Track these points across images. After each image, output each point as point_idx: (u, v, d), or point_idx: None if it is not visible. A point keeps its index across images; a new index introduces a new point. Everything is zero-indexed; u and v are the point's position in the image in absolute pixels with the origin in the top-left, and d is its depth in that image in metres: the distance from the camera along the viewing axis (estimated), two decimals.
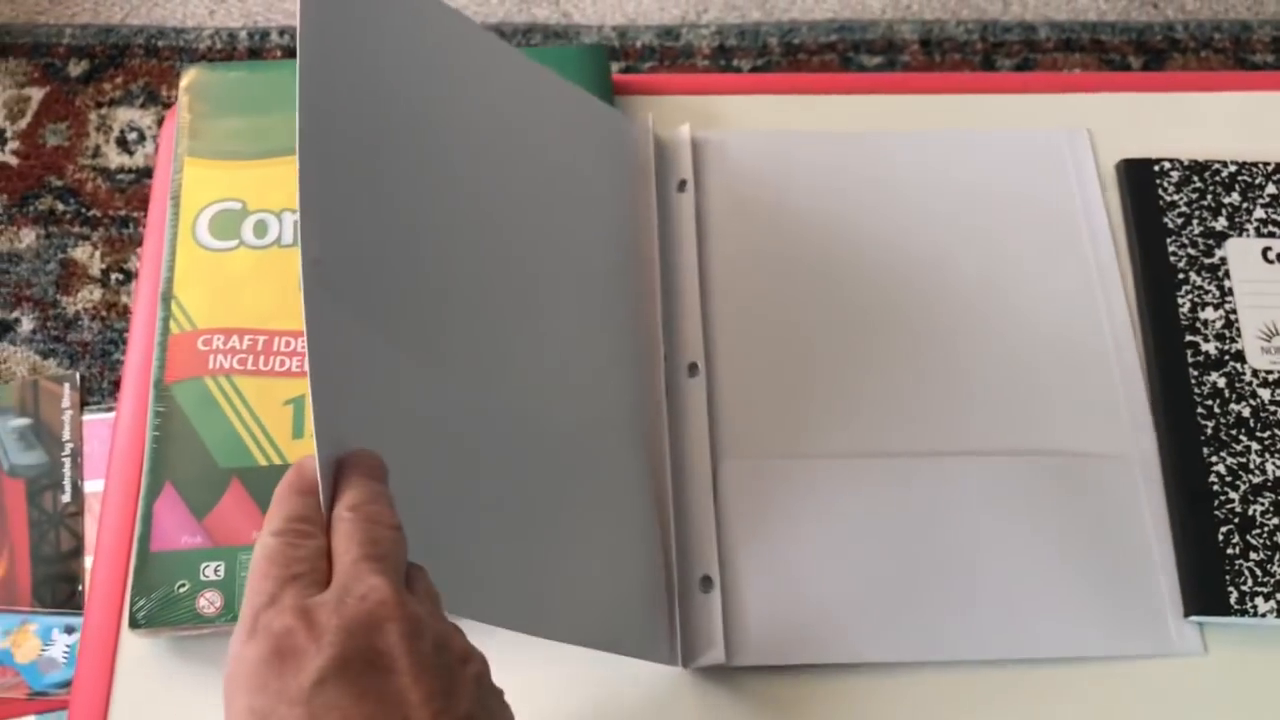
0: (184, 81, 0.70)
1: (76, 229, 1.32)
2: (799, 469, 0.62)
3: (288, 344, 0.62)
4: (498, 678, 0.43)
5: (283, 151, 0.67)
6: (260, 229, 0.65)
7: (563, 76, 0.69)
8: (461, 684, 0.38)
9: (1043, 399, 0.64)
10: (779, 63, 1.41)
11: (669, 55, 1.42)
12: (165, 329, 0.63)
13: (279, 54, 1.42)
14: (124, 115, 1.39)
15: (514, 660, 0.47)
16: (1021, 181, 0.70)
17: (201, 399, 0.61)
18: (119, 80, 1.41)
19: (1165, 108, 0.74)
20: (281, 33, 1.43)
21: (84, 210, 1.33)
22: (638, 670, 0.57)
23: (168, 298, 0.64)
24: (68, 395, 1.22)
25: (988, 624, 0.59)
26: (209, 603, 0.57)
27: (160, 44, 1.43)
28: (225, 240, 0.65)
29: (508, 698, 0.42)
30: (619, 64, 1.42)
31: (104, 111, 1.40)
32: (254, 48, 1.42)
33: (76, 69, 1.42)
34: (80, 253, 1.31)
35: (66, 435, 1.19)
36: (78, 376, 1.23)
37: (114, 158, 1.37)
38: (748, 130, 0.72)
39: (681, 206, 0.68)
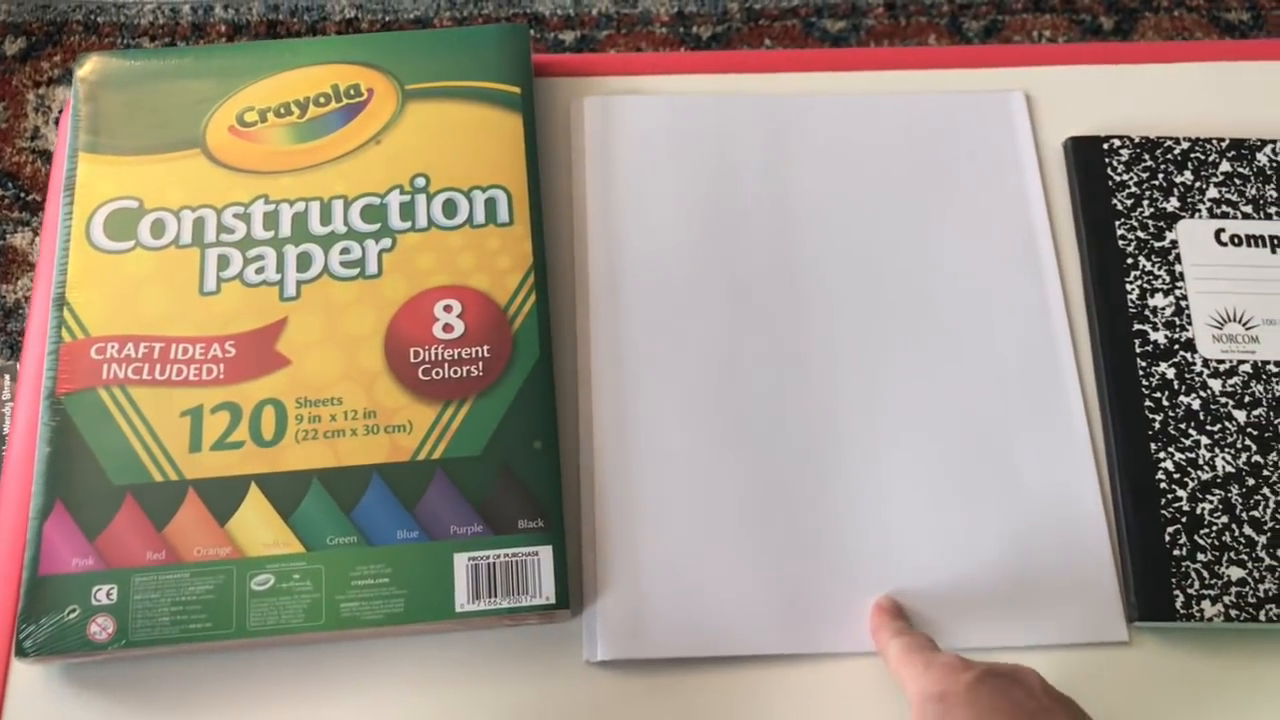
0: (80, 70, 0.67)
1: (15, 214, 1.28)
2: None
3: (185, 351, 0.59)
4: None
5: (183, 145, 0.64)
6: (158, 229, 0.62)
7: (479, 56, 0.66)
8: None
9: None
10: (739, 29, 1.36)
11: (626, 22, 1.38)
12: (58, 336, 0.59)
13: (223, 28, 1.37)
14: (63, 95, 1.35)
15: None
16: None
17: (95, 411, 0.58)
18: (57, 59, 1.36)
19: (1119, 80, 0.71)
20: (226, 7, 1.38)
21: (23, 195, 1.29)
22: (538, 668, 0.56)
23: (60, 302, 0.60)
24: (7, 387, 1.18)
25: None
26: (101, 628, 0.54)
27: (100, 20, 1.38)
28: (121, 241, 0.62)
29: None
30: (574, 32, 1.37)
31: (42, 91, 1.35)
32: (197, 23, 1.37)
33: (13, 47, 1.37)
34: (20, 239, 1.27)
35: (6, 429, 1.16)
36: (17, 367, 1.20)
37: (53, 139, 1.33)
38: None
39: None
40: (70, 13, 1.38)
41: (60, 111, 1.34)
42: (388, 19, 1.36)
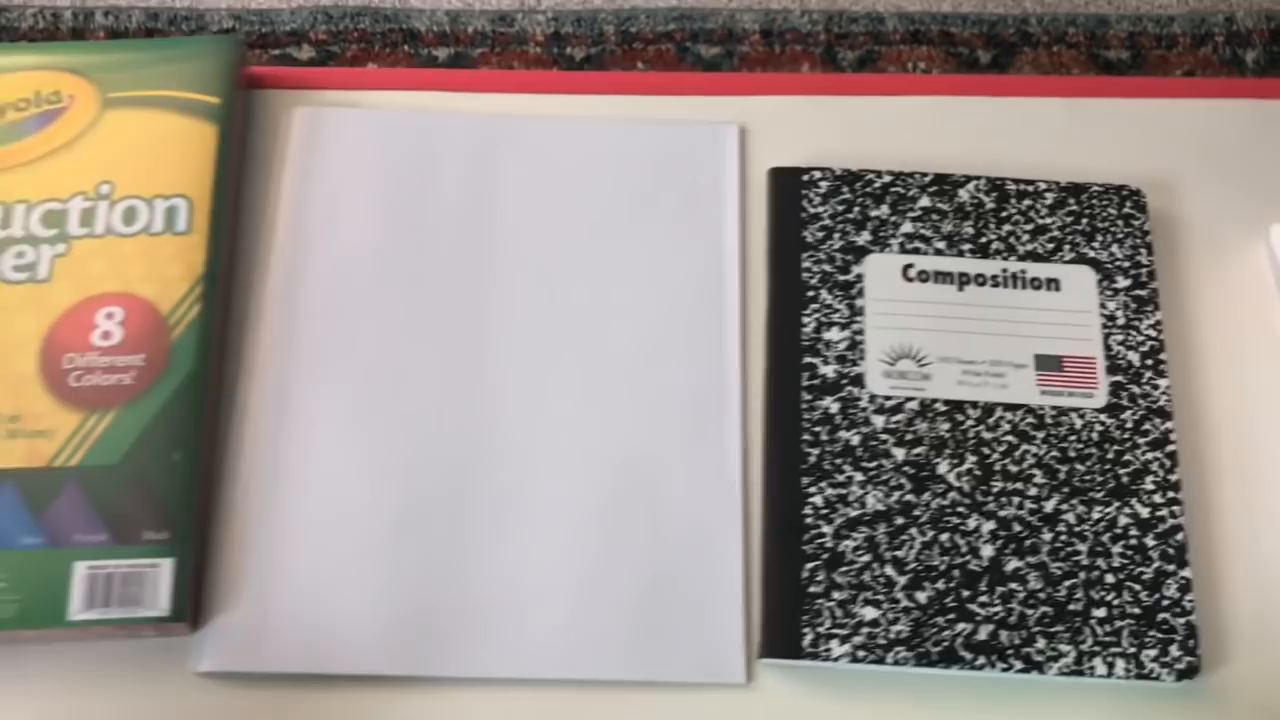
0: None
1: None
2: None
3: None
4: None
5: None
6: None
7: (183, 67, 0.66)
8: None
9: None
10: (614, 52, 1.37)
11: (501, 41, 1.38)
12: None
13: (101, 35, 1.38)
14: None
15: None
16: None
17: None
18: None
19: (859, 110, 0.70)
20: (106, 13, 1.40)
21: None
22: (149, 679, 0.56)
23: None
24: None
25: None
26: None
27: None
28: None
29: None
30: (448, 49, 1.38)
31: None
32: (77, 28, 1.39)
33: None
34: None
35: None
36: None
37: None
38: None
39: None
40: None
41: None
42: (264, 30, 1.37)
